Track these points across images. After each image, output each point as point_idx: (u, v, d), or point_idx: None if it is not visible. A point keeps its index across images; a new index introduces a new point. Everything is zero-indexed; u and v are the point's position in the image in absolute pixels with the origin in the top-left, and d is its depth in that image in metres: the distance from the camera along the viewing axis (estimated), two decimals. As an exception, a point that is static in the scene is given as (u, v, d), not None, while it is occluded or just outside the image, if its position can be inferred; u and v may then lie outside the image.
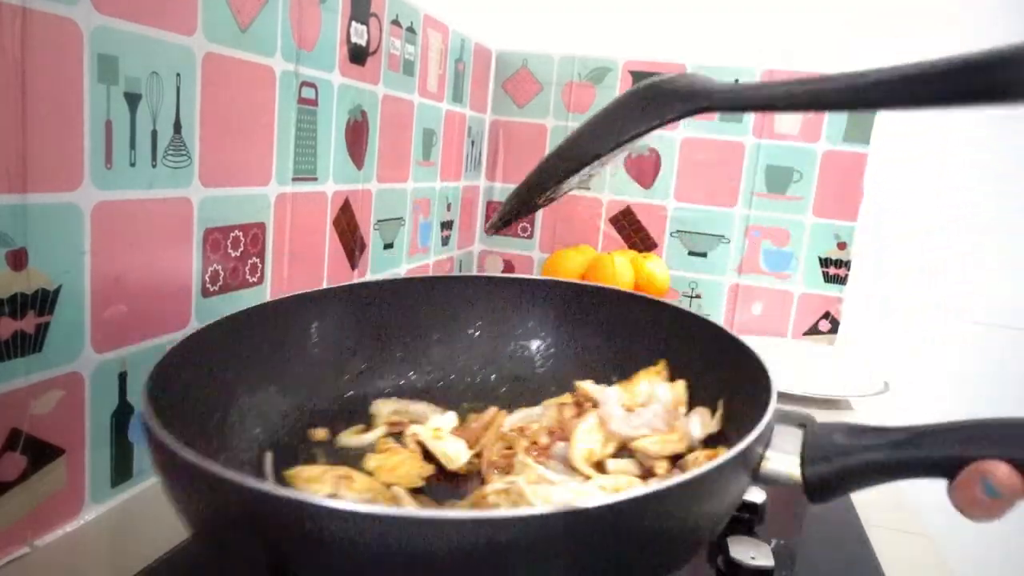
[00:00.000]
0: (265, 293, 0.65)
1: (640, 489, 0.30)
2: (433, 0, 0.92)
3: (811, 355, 1.10)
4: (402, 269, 0.94)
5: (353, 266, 0.81)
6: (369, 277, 0.84)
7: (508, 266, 1.25)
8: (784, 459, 0.39)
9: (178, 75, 0.51)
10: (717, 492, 0.35)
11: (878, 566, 0.52)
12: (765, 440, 0.38)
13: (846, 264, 1.12)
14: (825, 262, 1.12)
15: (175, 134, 0.52)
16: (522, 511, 0.31)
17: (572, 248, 1.11)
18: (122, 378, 0.50)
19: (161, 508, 0.52)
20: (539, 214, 1.23)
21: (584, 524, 0.29)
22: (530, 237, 1.24)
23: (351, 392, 0.57)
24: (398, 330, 0.60)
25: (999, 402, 1.12)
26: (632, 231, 1.19)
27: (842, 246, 1.12)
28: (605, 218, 1.20)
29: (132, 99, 0.48)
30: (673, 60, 1.14)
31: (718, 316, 1.17)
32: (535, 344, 0.63)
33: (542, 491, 0.41)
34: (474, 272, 1.25)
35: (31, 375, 0.43)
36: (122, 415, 0.51)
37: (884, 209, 1.11)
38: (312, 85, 0.68)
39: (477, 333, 0.62)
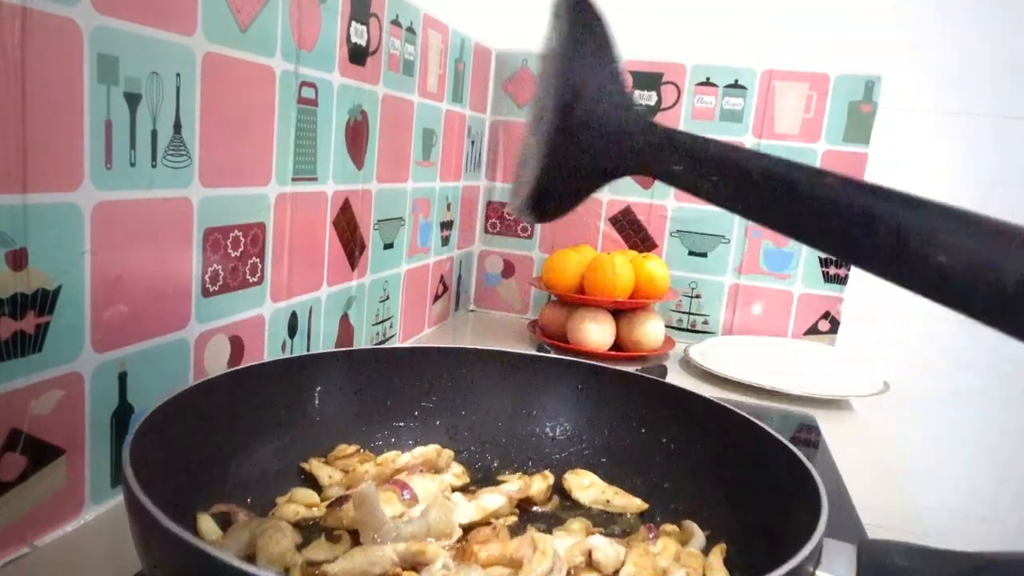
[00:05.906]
0: (265, 293, 0.65)
1: None
2: (433, 0, 0.92)
3: (811, 355, 1.10)
4: (402, 269, 0.94)
5: (353, 266, 0.81)
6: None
7: (508, 266, 1.25)
8: None
9: (178, 75, 0.51)
10: None
11: (878, 566, 0.52)
12: (815, 558, 0.33)
13: (846, 264, 1.12)
14: (825, 262, 1.12)
15: (175, 134, 0.52)
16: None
17: (572, 248, 1.11)
18: (122, 378, 0.50)
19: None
20: (539, 214, 1.23)
21: None
22: (530, 237, 1.24)
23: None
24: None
25: (999, 403, 1.12)
26: (632, 231, 1.19)
27: (842, 246, 1.11)
28: (605, 218, 1.20)
29: (132, 99, 0.48)
30: (673, 60, 1.14)
31: (718, 316, 1.17)
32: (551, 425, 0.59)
33: None
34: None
35: (31, 375, 0.43)
36: (122, 415, 0.51)
37: (884, 209, 1.11)
38: (312, 85, 0.68)
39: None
